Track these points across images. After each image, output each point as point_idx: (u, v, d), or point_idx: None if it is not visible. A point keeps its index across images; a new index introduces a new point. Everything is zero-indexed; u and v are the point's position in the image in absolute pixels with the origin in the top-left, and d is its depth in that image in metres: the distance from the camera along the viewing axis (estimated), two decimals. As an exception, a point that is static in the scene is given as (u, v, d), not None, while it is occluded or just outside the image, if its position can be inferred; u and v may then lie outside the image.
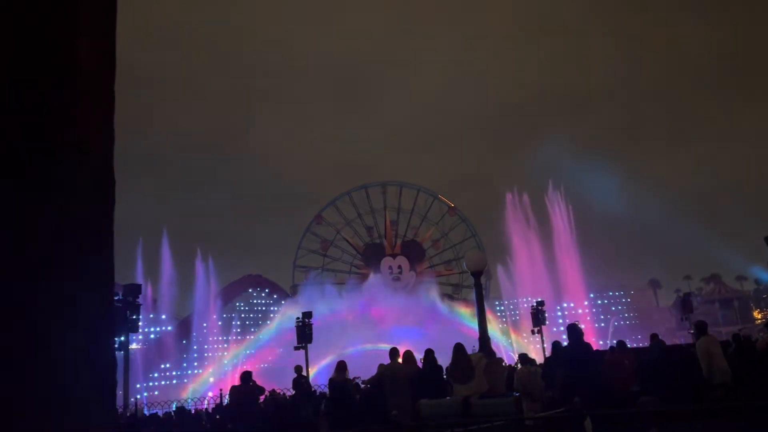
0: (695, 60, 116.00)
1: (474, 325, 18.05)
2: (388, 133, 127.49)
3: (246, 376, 10.89)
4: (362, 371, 13.83)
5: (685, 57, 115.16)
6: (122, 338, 20.25)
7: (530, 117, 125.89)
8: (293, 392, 13.92)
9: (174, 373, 45.70)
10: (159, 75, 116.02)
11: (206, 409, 20.22)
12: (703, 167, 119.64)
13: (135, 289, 21.55)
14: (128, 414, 18.44)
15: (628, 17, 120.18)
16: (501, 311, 54.71)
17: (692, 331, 18.09)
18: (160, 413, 19.73)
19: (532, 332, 34.39)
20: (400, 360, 9.81)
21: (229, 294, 52.94)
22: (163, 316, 49.60)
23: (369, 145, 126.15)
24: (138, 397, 23.21)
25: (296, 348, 28.59)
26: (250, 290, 57.17)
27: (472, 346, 11.40)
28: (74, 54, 1.53)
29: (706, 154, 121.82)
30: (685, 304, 35.86)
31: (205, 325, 48.11)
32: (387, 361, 9.73)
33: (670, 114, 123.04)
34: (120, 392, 19.84)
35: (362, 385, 12.32)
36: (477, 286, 13.48)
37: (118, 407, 16.93)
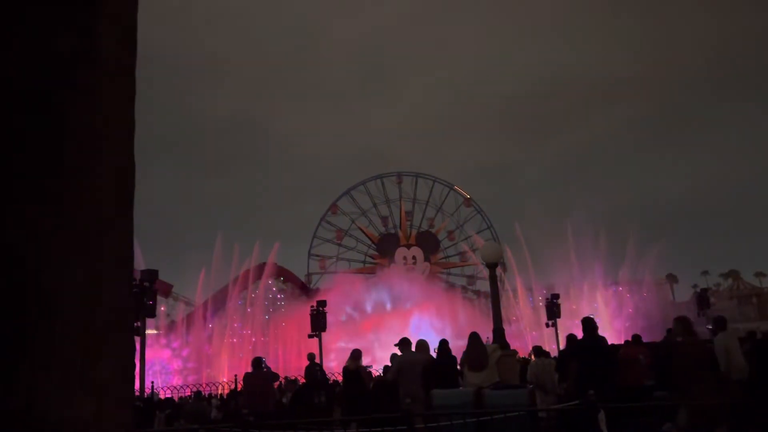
0: (720, 52, 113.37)
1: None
2: (407, 121, 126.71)
3: (257, 362, 10.99)
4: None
5: (712, 48, 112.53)
6: (138, 323, 20.51)
7: (550, 107, 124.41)
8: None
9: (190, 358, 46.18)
10: (182, 60, 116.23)
11: (221, 394, 20.46)
12: (723, 161, 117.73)
13: (152, 274, 21.82)
14: (145, 397, 18.72)
15: (660, 3, 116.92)
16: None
17: (709, 327, 17.91)
18: (175, 398, 20.01)
19: (546, 325, 34.30)
20: (412, 349, 9.85)
21: (244, 281, 53.31)
22: (179, 302, 50.16)
23: (387, 134, 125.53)
24: (153, 381, 23.53)
25: (310, 336, 28.82)
26: (265, 278, 57.49)
27: (486, 337, 11.39)
28: (96, 37, 1.53)
29: (726, 148, 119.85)
30: (701, 299, 35.53)
31: (220, 311, 48.55)
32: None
33: (695, 105, 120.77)
34: (137, 376, 20.12)
35: (374, 374, 12.39)
36: (492, 277, 13.44)
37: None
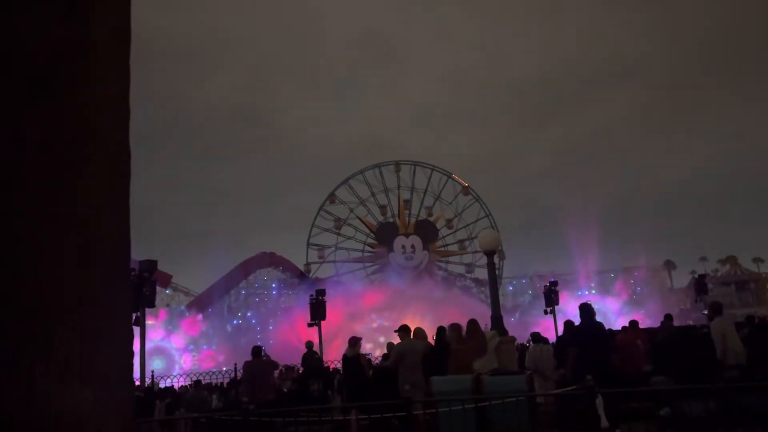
0: (729, 34, 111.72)
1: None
2: (406, 109, 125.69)
3: (257, 350, 11.05)
4: None
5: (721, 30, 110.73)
6: (138, 313, 20.57)
7: (551, 94, 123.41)
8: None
9: (189, 348, 46.39)
10: (180, 47, 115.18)
11: (221, 383, 20.55)
12: (722, 146, 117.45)
13: (151, 265, 21.85)
14: (145, 386, 18.83)
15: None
16: (513, 293, 54.93)
17: (705, 312, 17.98)
18: (176, 386, 20.11)
19: (545, 312, 34.44)
20: (410, 337, 9.90)
21: (244, 271, 53.40)
22: (179, 293, 50.31)
23: (386, 123, 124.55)
24: (153, 370, 23.64)
25: (310, 325, 28.92)
26: (264, 267, 57.58)
27: (484, 324, 11.44)
28: (88, 26, 1.53)
29: (726, 134, 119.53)
30: (699, 285, 35.65)
31: (219, 301, 48.72)
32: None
33: (698, 92, 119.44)
34: (137, 365, 20.22)
35: (374, 361, 12.46)
36: (490, 265, 13.48)
37: (134, 379, 17.28)
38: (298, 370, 16.03)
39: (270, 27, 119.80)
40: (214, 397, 15.63)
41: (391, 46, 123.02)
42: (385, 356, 12.12)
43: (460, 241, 57.45)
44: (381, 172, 56.96)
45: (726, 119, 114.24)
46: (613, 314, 39.41)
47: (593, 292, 43.81)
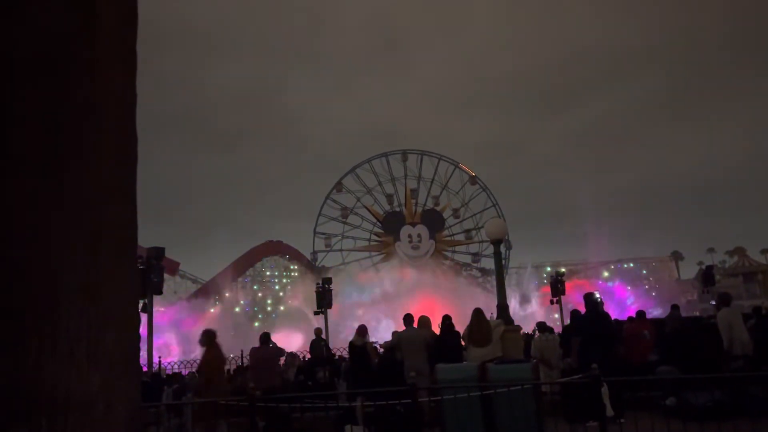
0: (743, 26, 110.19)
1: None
2: (413, 98, 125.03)
3: (265, 337, 11.10)
4: None
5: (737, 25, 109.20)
6: (146, 300, 20.71)
7: (559, 83, 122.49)
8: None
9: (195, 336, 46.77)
10: (188, 32, 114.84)
11: (228, 369, 20.70)
12: (730, 137, 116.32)
13: (158, 252, 21.93)
14: (152, 372, 18.99)
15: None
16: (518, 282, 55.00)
17: (713, 303, 17.92)
18: (184, 373, 20.27)
19: (551, 302, 34.44)
20: (414, 326, 9.95)
21: (250, 259, 53.65)
22: (187, 280, 50.65)
23: (394, 111, 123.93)
24: (161, 357, 23.82)
25: (316, 313, 29.05)
26: (271, 256, 57.81)
27: (490, 313, 11.46)
28: (95, 12, 1.52)
29: (735, 123, 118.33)
30: (706, 276, 35.48)
31: (225, 290, 49.01)
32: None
33: (708, 83, 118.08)
34: (144, 352, 20.40)
35: (380, 349, 12.50)
36: (496, 254, 13.46)
37: (141, 365, 17.44)
38: (303, 357, 16.11)
39: (278, 12, 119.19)
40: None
41: (400, 32, 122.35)
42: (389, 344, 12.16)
43: (467, 231, 57.40)
44: (388, 161, 56.90)
45: (738, 109, 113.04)
46: (619, 305, 39.37)
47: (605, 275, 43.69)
